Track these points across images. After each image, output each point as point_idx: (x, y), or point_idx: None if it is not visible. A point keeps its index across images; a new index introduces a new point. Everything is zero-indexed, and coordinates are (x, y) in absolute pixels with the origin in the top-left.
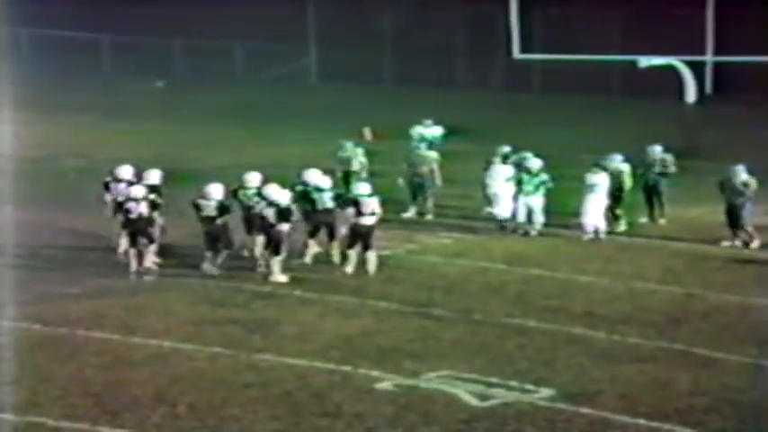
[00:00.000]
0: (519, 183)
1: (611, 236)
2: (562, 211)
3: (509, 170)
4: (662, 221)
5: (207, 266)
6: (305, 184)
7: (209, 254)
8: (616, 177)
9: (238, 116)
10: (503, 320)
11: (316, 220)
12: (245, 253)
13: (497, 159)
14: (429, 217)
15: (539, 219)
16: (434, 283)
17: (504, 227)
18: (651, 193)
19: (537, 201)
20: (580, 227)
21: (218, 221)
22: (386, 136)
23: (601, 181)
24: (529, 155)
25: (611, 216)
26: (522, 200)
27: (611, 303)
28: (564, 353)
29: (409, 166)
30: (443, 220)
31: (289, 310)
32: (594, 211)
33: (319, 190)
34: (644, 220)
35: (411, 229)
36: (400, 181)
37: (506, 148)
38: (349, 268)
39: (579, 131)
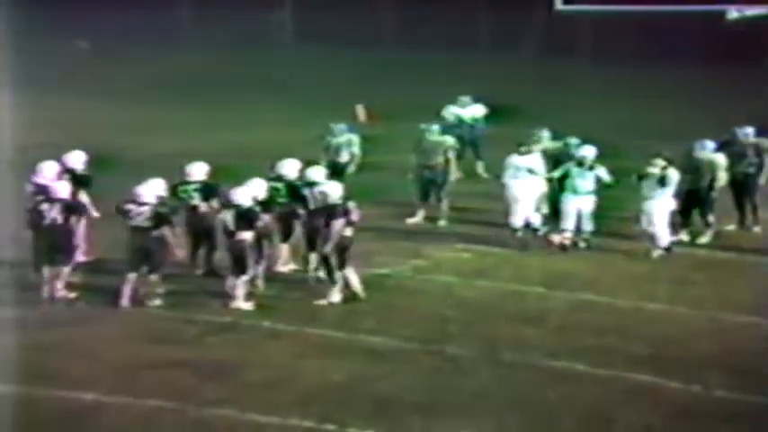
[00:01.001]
0: (564, 178)
1: (688, 248)
2: (616, 215)
3: (535, 161)
4: (756, 229)
5: (147, 299)
6: (280, 177)
7: (131, 276)
8: (707, 172)
9: (185, 89)
10: (541, 363)
11: (310, 224)
12: (199, 272)
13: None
14: (443, 223)
15: (587, 226)
16: (449, 311)
17: (518, 237)
18: (741, 192)
19: (588, 202)
20: (649, 238)
21: (154, 234)
22: (383, 117)
23: (671, 177)
24: (575, 141)
25: (705, 223)
26: (572, 200)
27: (689, 342)
28: (626, 408)
29: (420, 155)
30: (462, 227)
31: (255, 347)
32: (663, 218)
33: (310, 184)
34: (731, 227)
35: (419, 240)
36: (410, 176)
37: (545, 133)
38: (336, 296)
39: (642, 110)
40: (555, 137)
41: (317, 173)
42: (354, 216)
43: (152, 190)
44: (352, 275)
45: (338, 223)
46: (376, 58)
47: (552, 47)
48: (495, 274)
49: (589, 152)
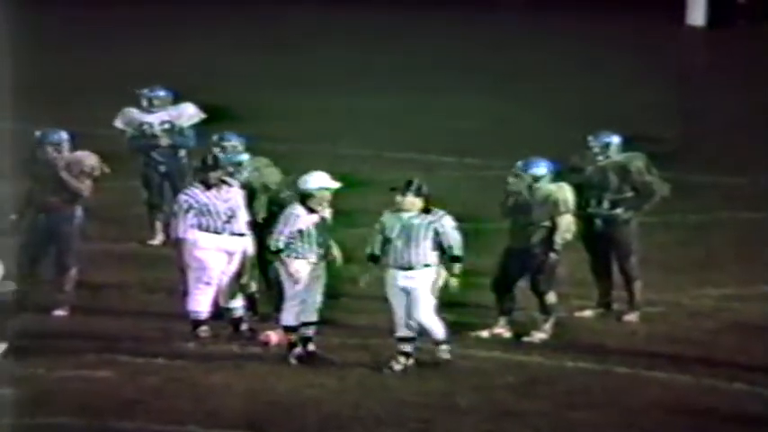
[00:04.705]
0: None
1: (508, 353)
2: (365, 293)
3: (236, 198)
4: (631, 318)
5: None
6: None
7: None
8: (542, 215)
9: None
10: None
11: None
12: None
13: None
14: None
15: (309, 314)
16: None
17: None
18: (602, 251)
19: (315, 273)
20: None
21: None
22: None
23: (446, 226)
24: (234, 142)
25: (540, 307)
26: (298, 265)
27: None
28: None
29: None
30: (92, 320)
31: None
32: (427, 301)
33: None
34: (588, 313)
35: None
36: None
37: (233, 140)
38: None
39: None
40: (220, 141)
41: None
42: None
43: None
44: None
45: None
46: None
47: None
48: (157, 408)
49: (272, 175)
